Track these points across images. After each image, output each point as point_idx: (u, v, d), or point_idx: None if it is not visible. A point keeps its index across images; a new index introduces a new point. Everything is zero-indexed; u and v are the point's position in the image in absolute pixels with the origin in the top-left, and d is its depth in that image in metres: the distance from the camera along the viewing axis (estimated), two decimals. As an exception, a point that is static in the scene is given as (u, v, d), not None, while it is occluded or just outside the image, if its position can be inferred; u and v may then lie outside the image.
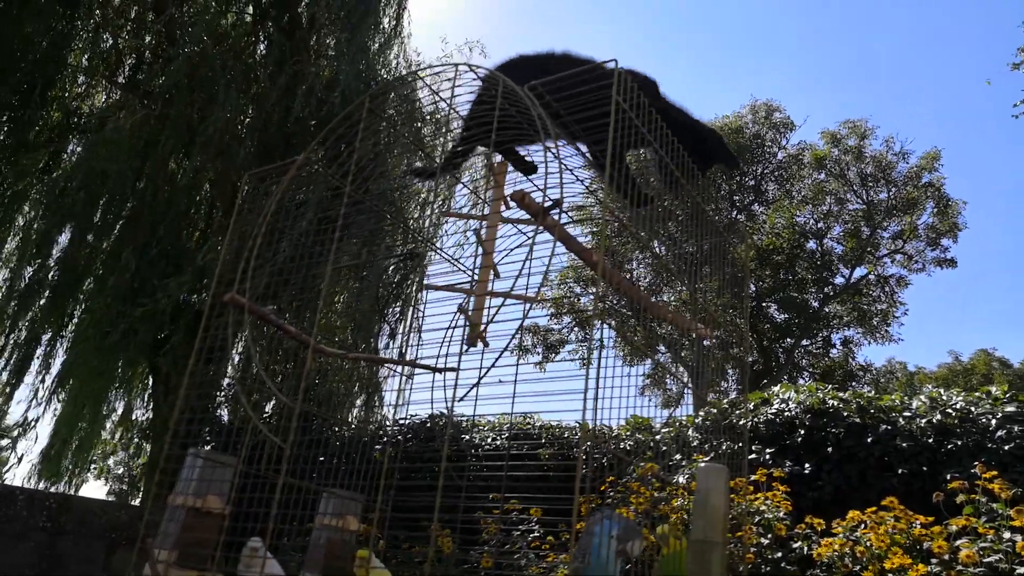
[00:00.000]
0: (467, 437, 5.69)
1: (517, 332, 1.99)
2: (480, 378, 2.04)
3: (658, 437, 5.18)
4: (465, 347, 2.16)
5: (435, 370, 2.26)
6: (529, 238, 2.22)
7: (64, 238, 7.54)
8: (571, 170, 2.62)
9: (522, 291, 2.04)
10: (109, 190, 7.28)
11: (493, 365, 2.01)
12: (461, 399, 2.08)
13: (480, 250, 2.22)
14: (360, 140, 2.50)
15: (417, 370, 2.87)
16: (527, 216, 2.33)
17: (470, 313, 2.13)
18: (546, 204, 2.11)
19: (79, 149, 8.06)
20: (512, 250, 2.76)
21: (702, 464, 2.03)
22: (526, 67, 2.81)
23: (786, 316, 19.12)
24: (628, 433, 5.34)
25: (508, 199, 2.24)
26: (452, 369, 2.11)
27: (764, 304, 19.34)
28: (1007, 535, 3.01)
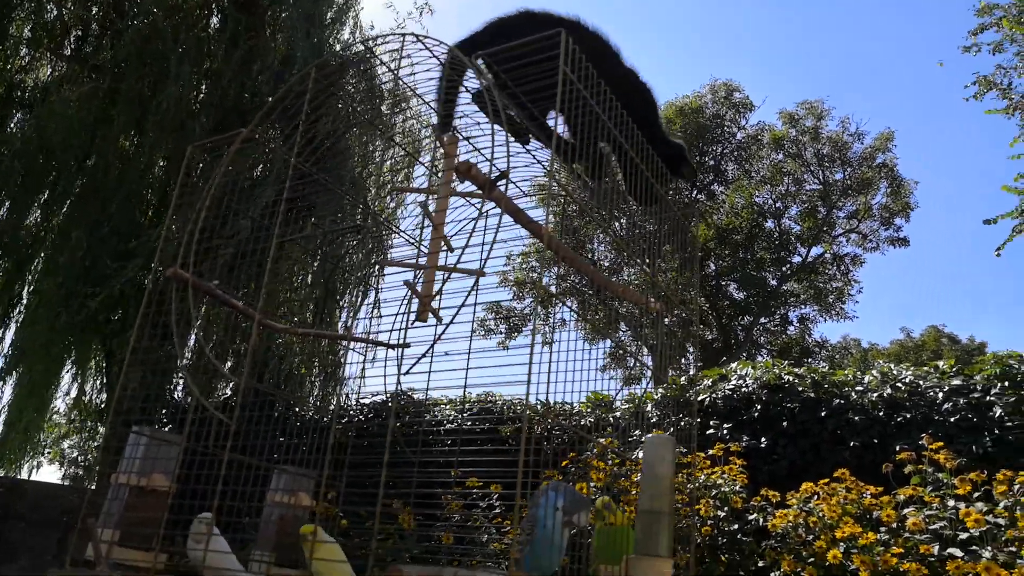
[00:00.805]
0: (428, 415, 5.69)
1: (463, 306, 1.98)
2: (426, 352, 2.03)
3: (617, 414, 5.24)
4: (414, 322, 2.14)
5: (387, 346, 2.24)
6: (481, 212, 2.20)
7: (4, 213, 7.27)
8: (521, 142, 2.59)
9: (469, 264, 2.03)
10: (57, 166, 7.05)
11: (438, 339, 2.00)
12: (406, 373, 2.08)
13: (429, 224, 2.20)
14: (307, 112, 2.45)
15: (380, 349, 2.84)
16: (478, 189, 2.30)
17: (418, 288, 2.11)
18: (492, 176, 2.08)
19: (25, 125, 7.77)
20: (462, 223, 2.73)
21: (649, 436, 2.05)
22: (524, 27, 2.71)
23: (745, 294, 19.46)
24: (588, 410, 5.39)
25: (456, 171, 2.20)
26: (404, 345, 2.09)
27: (723, 282, 19.64)
28: (951, 503, 3.12)
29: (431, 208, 2.21)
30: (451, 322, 2.00)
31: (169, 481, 2.29)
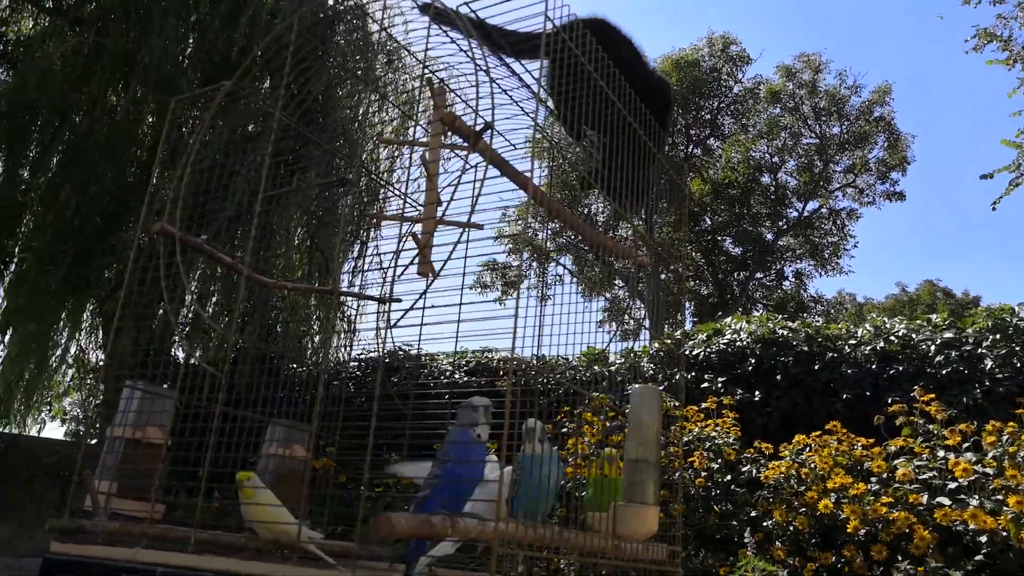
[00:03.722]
0: (424, 370, 5.72)
1: (450, 257, 1.96)
2: (414, 304, 2.02)
3: (612, 368, 5.27)
4: (400, 275, 2.12)
5: (378, 300, 2.22)
6: (466, 164, 2.16)
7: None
8: (506, 91, 2.53)
9: (457, 216, 2.01)
10: (42, 124, 6.94)
11: (427, 290, 1.99)
12: (394, 325, 2.07)
13: (425, 178, 2.17)
14: (291, 65, 2.40)
15: (371, 304, 2.83)
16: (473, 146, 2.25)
17: (419, 238, 2.09)
18: (477, 128, 2.03)
19: (8, 79, 7.62)
20: (449, 176, 2.67)
21: (636, 386, 2.07)
22: None
23: (741, 249, 19.45)
24: (584, 365, 5.41)
25: (440, 122, 2.16)
26: (396, 299, 2.08)
27: (719, 237, 19.61)
28: (941, 454, 3.16)
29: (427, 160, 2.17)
30: (438, 274, 1.99)
31: (163, 434, 2.31)
